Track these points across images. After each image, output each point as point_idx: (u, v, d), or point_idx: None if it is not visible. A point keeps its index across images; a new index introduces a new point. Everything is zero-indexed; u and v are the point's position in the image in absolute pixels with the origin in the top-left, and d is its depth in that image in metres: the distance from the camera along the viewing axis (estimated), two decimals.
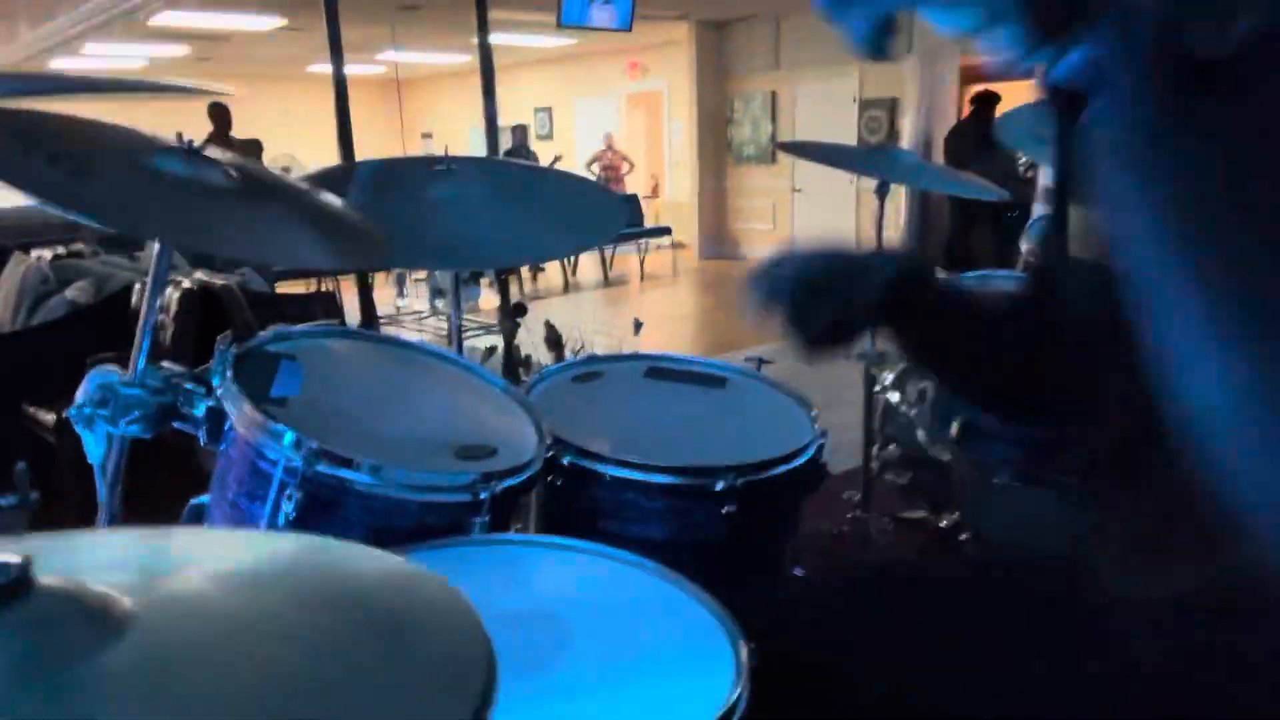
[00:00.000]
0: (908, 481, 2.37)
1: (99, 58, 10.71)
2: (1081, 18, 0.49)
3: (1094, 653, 0.74)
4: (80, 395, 1.12)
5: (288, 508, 1.04)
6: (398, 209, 1.63)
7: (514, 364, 3.77)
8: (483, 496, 1.09)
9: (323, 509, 1.04)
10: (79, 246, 3.69)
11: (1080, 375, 0.72)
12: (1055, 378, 0.79)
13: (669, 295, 8.99)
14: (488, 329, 4.75)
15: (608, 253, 9.78)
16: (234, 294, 2.74)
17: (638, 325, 3.42)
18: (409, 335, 3.78)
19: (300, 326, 1.30)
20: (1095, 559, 0.74)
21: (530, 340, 3.92)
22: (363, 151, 3.29)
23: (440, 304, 6.41)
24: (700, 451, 1.29)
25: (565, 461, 1.26)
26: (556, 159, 10.63)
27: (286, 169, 9.33)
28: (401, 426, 1.21)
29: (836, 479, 2.48)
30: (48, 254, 3.46)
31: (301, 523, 1.04)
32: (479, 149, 7.68)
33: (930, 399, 2.16)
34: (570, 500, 1.28)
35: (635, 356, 1.64)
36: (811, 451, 1.34)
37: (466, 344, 3.01)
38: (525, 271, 9.52)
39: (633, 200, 9.91)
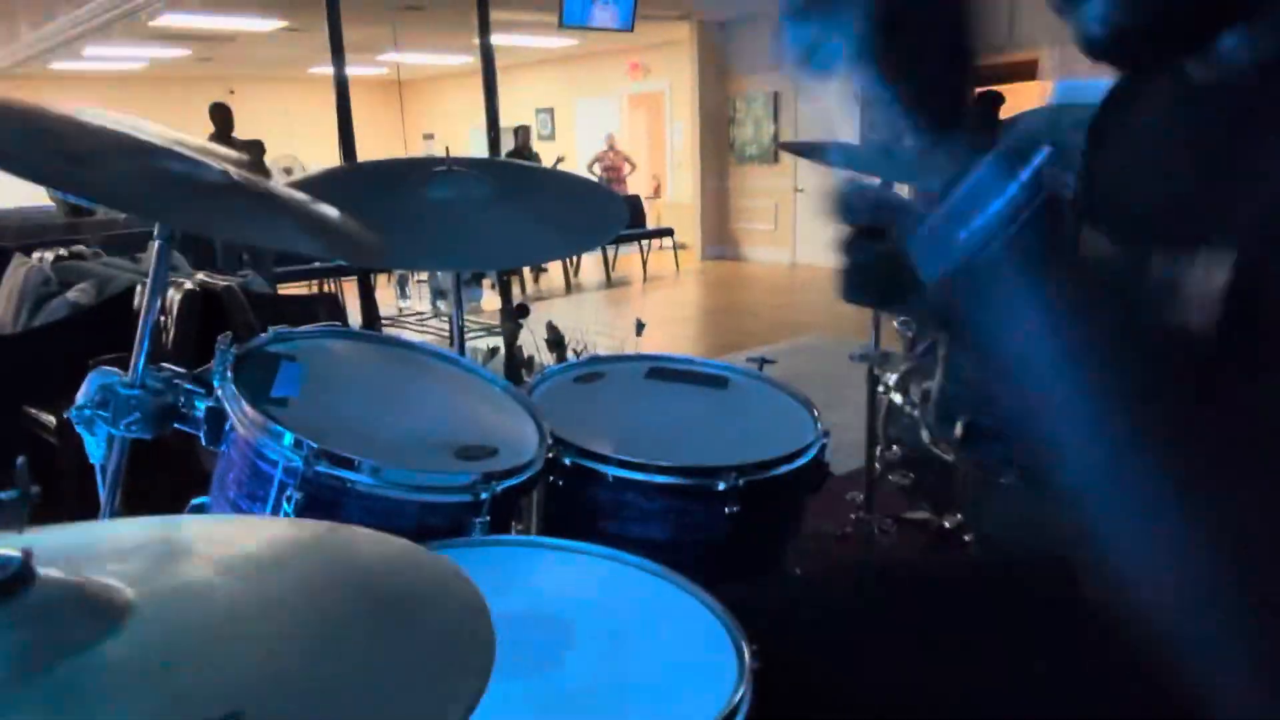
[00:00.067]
0: (911, 482, 2.36)
1: (100, 59, 10.72)
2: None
3: (1094, 653, 0.73)
4: (81, 396, 1.12)
5: (288, 508, 1.03)
6: (399, 210, 1.63)
7: (516, 365, 3.77)
8: (483, 497, 1.08)
9: (323, 509, 1.04)
10: (80, 248, 3.69)
11: None
12: None
13: (671, 296, 8.99)
14: (490, 330, 4.75)
15: (610, 253, 9.79)
16: (235, 295, 2.74)
17: (640, 326, 3.41)
18: (411, 336, 3.78)
19: (301, 328, 1.30)
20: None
21: (532, 341, 3.92)
22: (364, 152, 3.30)
23: (442, 305, 6.40)
24: (702, 452, 1.29)
25: (567, 462, 1.25)
26: (559, 160, 10.65)
27: (288, 169, 9.36)
28: (401, 427, 1.21)
29: (839, 480, 2.48)
30: (49, 255, 3.46)
31: None
32: (480, 150, 7.70)
33: (934, 400, 2.15)
34: (572, 501, 1.28)
35: (637, 357, 1.64)
36: (814, 452, 1.34)
37: (469, 345, 3.01)
38: (527, 272, 9.53)
39: (635, 201, 9.92)
